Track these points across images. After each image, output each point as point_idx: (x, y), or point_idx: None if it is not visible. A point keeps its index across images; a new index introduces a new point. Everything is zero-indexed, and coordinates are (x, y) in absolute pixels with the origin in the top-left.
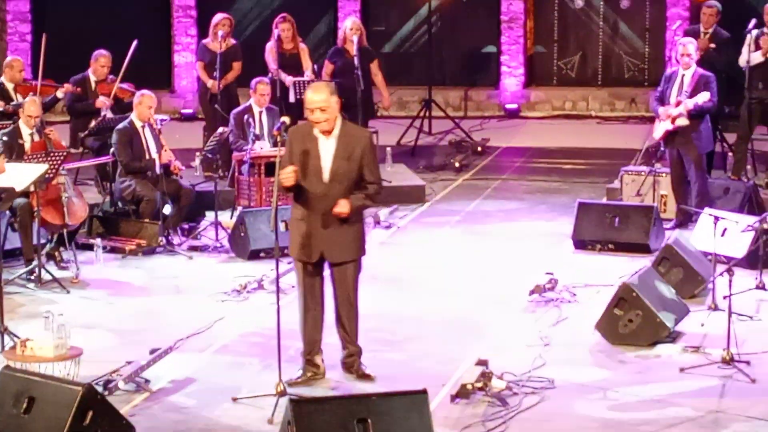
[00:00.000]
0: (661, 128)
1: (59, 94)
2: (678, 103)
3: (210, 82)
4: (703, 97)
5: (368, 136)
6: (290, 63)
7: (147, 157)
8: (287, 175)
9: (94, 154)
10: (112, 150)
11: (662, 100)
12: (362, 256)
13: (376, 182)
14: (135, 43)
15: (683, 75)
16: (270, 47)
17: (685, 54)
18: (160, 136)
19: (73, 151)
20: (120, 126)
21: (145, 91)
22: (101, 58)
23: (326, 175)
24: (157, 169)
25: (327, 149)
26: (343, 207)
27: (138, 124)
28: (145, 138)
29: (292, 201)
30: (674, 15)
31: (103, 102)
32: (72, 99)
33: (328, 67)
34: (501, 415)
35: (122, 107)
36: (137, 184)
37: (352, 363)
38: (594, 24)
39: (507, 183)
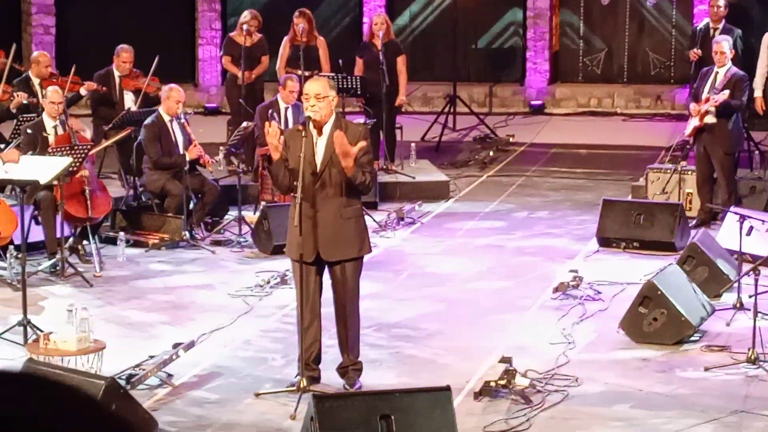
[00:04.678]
0: (690, 125)
1: (83, 91)
2: (707, 100)
3: (239, 74)
4: (724, 95)
5: (362, 129)
6: (307, 56)
7: (177, 151)
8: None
9: (117, 146)
10: (136, 142)
11: (695, 98)
12: (363, 255)
13: (369, 172)
14: (157, 58)
15: (717, 72)
16: (284, 42)
17: (718, 52)
18: (190, 132)
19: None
20: (148, 121)
21: (173, 85)
22: (123, 53)
23: (319, 167)
24: (186, 165)
25: (320, 142)
26: (349, 147)
27: (166, 119)
28: (174, 132)
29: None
30: (701, 12)
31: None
32: (96, 98)
33: (358, 63)
34: (524, 412)
35: (148, 102)
36: (165, 178)
37: (343, 374)
38: (620, 20)
39: (531, 180)
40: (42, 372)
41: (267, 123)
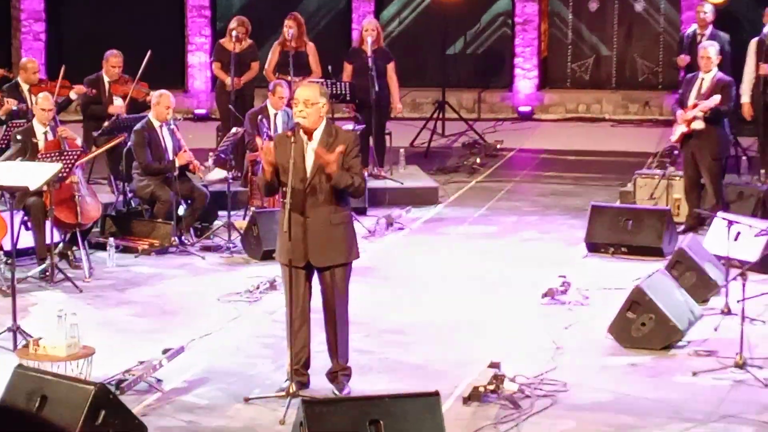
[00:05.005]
0: (677, 131)
1: (72, 95)
2: (694, 106)
3: (228, 79)
4: (714, 100)
5: (351, 136)
6: (296, 62)
7: (167, 157)
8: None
9: (107, 152)
10: (126, 148)
11: (682, 103)
12: (352, 261)
13: (357, 174)
14: (149, 53)
15: (702, 78)
16: (274, 47)
17: (704, 57)
18: (180, 137)
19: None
20: (137, 127)
21: (163, 91)
22: (111, 58)
23: (308, 173)
24: (175, 171)
25: (310, 148)
26: (328, 155)
27: (156, 124)
28: (163, 138)
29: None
30: (689, 18)
31: (117, 108)
32: (86, 101)
33: (347, 68)
34: (513, 417)
35: (137, 107)
36: (154, 184)
37: (332, 379)
38: (608, 26)
39: (520, 185)
40: (18, 406)
41: (262, 141)
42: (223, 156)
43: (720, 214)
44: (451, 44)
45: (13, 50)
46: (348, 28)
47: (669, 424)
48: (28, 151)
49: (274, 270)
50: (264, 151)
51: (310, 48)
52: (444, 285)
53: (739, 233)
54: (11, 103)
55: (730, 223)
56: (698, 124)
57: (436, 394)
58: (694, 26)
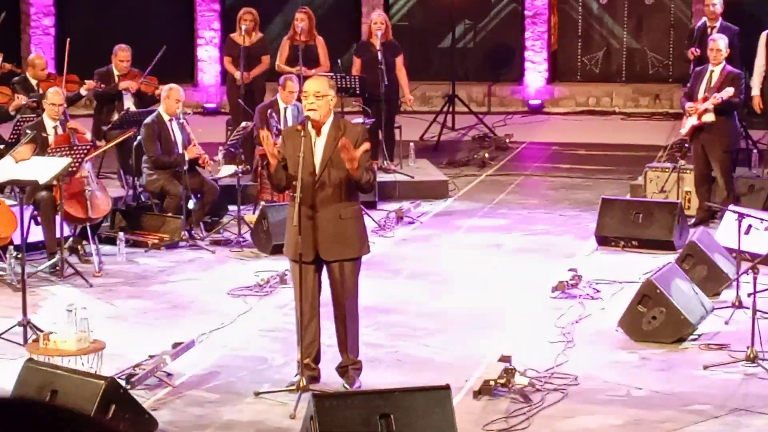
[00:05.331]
0: (687, 124)
1: (83, 91)
2: (705, 99)
3: (237, 74)
4: (728, 92)
5: (360, 130)
6: (306, 55)
7: (176, 151)
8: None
9: (117, 147)
10: (136, 142)
11: (690, 96)
12: (362, 255)
13: (369, 169)
14: (164, 48)
15: (712, 71)
16: (283, 41)
17: (714, 49)
18: (189, 131)
19: (97, 143)
20: (147, 120)
21: (172, 85)
22: (120, 53)
23: (318, 167)
24: (185, 165)
25: (318, 142)
26: (353, 152)
27: (165, 118)
28: (173, 132)
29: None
30: (699, 11)
31: (128, 84)
32: (96, 96)
33: (356, 62)
34: (524, 411)
35: (145, 101)
36: (164, 178)
37: (342, 373)
38: (619, 19)
39: (530, 179)
40: (33, 398)
41: (261, 130)
42: (232, 150)
43: (731, 207)
44: (460, 36)
45: (23, 45)
46: (358, 21)
47: (680, 417)
48: (38, 145)
49: (283, 264)
50: (264, 141)
51: (320, 41)
52: (454, 279)
53: (750, 226)
54: (21, 99)
55: (741, 216)
56: (709, 117)
57: (447, 387)
58: (704, 19)
